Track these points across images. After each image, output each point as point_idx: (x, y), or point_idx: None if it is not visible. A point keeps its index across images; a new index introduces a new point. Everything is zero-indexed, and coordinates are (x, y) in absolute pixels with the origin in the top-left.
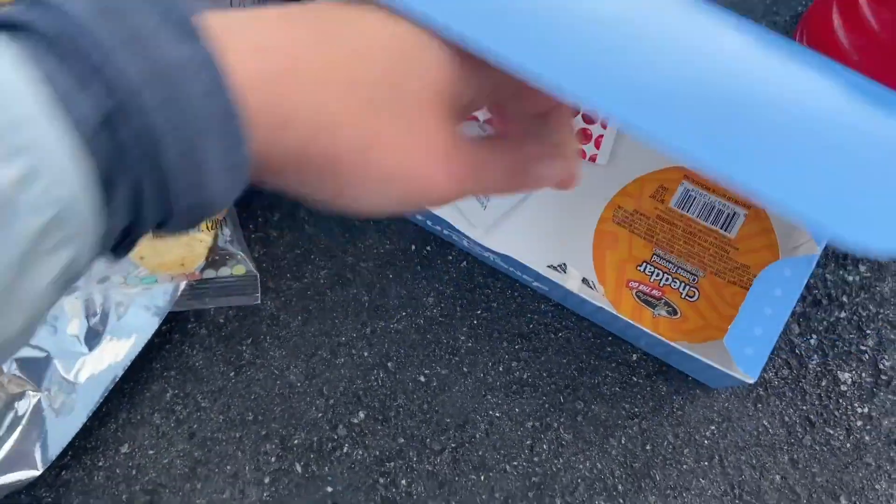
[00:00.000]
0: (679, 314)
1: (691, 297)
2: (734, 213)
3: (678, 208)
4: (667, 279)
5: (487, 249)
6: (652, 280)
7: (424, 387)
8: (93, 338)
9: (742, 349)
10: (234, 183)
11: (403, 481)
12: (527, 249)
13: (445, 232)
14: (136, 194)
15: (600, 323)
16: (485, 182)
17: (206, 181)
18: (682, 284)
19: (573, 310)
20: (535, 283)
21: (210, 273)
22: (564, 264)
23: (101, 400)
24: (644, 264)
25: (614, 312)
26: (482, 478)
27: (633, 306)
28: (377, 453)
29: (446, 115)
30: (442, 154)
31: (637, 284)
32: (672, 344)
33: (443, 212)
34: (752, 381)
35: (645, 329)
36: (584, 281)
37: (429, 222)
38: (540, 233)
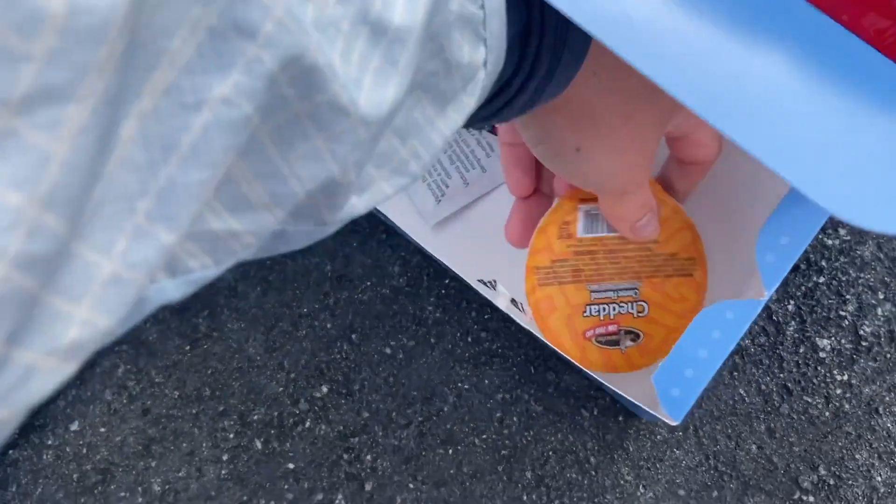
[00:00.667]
0: (642, 336)
1: (641, 313)
2: None
3: (587, 234)
4: (613, 309)
5: (424, 250)
6: (602, 318)
7: (390, 359)
8: None
9: (669, 389)
10: (557, 88)
11: (368, 457)
12: (463, 258)
13: (390, 223)
14: (536, 54)
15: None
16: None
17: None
18: (629, 305)
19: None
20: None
21: None
22: (495, 281)
23: None
24: (587, 308)
25: (536, 334)
26: (450, 452)
27: (601, 355)
28: (341, 428)
29: (660, 136)
30: (650, 163)
31: (592, 331)
32: (595, 376)
33: (392, 204)
34: (674, 424)
35: (569, 358)
36: (513, 302)
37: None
38: (481, 244)
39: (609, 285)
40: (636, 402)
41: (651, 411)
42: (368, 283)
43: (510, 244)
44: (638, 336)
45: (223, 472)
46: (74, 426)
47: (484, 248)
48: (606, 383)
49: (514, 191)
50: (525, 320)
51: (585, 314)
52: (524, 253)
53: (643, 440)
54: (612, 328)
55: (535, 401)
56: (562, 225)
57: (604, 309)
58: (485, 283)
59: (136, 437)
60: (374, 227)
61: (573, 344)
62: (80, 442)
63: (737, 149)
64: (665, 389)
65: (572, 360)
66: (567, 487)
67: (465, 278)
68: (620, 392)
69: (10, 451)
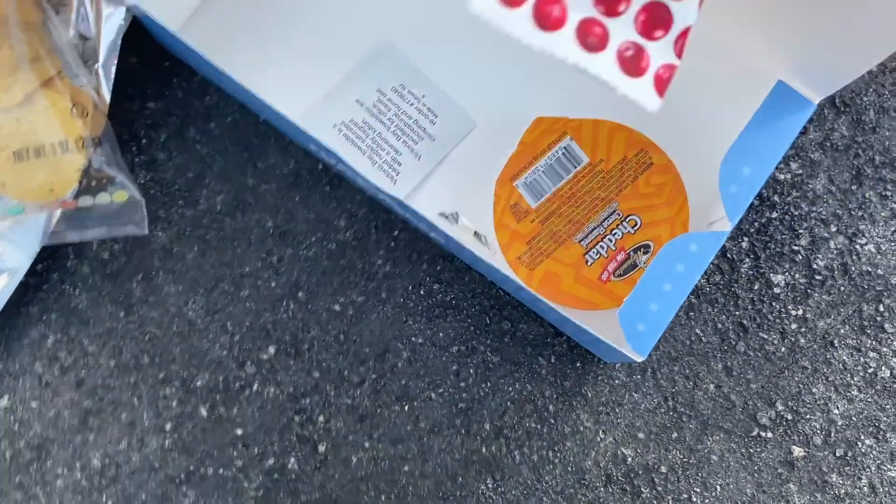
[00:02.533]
0: (651, 243)
1: (636, 226)
2: (568, 149)
3: (540, 200)
4: (609, 241)
5: (380, 191)
6: (607, 255)
7: (340, 316)
8: None
9: (634, 325)
10: None
11: (321, 417)
12: (422, 192)
13: (340, 167)
14: None
15: (499, 284)
16: None
17: None
18: (620, 227)
19: (475, 269)
20: (433, 234)
21: (87, 201)
22: (457, 213)
23: None
24: (586, 257)
25: (505, 272)
26: (406, 408)
27: (630, 283)
28: (291, 390)
29: None
30: None
31: (606, 272)
32: (560, 310)
33: (339, 145)
34: (640, 360)
35: (531, 290)
36: (476, 235)
37: (323, 155)
38: (439, 177)
39: (590, 225)
40: (604, 340)
41: (618, 348)
42: (313, 238)
43: None
44: (648, 246)
45: (167, 441)
46: (4, 402)
47: (443, 182)
48: (577, 321)
49: None
50: (488, 254)
51: (589, 263)
52: (487, 182)
53: (601, 385)
54: (620, 256)
55: (491, 351)
56: (512, 209)
57: (602, 247)
58: (446, 217)
59: (72, 410)
60: (316, 179)
61: (601, 296)
62: (11, 418)
63: (700, 80)
64: (631, 325)
65: (501, 258)
66: (527, 437)
67: (424, 213)
68: (590, 330)
69: None
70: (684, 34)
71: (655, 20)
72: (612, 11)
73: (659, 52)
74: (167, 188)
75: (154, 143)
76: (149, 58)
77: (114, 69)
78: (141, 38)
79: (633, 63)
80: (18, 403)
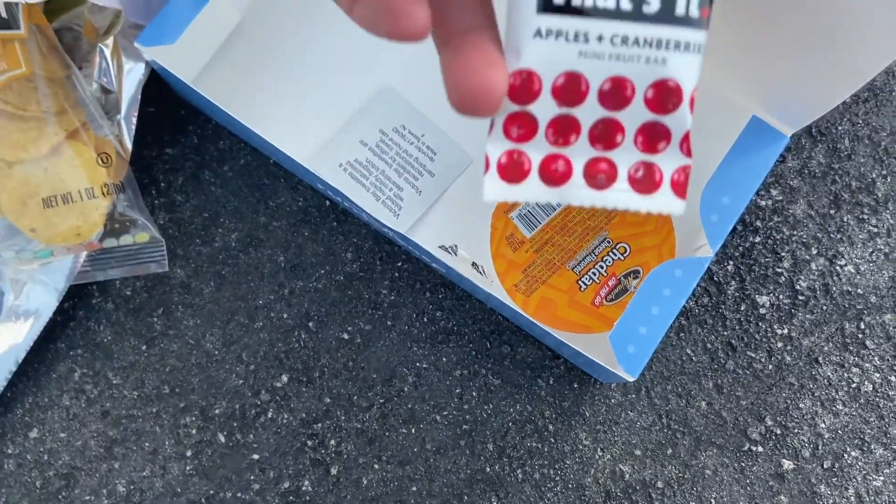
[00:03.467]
0: (641, 269)
1: (625, 253)
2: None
3: (534, 231)
4: (600, 267)
5: (384, 225)
6: (598, 281)
7: (348, 344)
8: None
9: (625, 347)
10: None
11: (332, 441)
12: (423, 226)
13: (346, 204)
14: None
15: (498, 311)
16: None
17: None
18: (610, 254)
19: (475, 296)
20: (434, 265)
21: (111, 242)
22: (456, 246)
23: (5, 385)
24: (579, 283)
25: (503, 299)
26: (413, 430)
27: (621, 307)
28: (303, 415)
29: None
30: None
31: (599, 297)
32: (555, 334)
33: (345, 183)
34: (631, 380)
35: (527, 316)
36: (474, 265)
37: (329, 193)
38: (440, 211)
39: (582, 253)
40: (597, 361)
41: (610, 369)
42: (322, 271)
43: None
44: (638, 271)
45: (188, 467)
46: (34, 433)
47: (442, 215)
48: (571, 344)
49: (408, 31)
50: (486, 283)
51: (582, 289)
52: (484, 215)
53: (598, 405)
54: (612, 282)
55: (492, 374)
56: (508, 239)
57: (594, 273)
58: (446, 249)
59: (98, 439)
60: (324, 215)
61: (594, 320)
62: (41, 449)
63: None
64: (621, 347)
65: (498, 286)
66: (528, 456)
67: (426, 246)
68: (584, 353)
69: None
70: (686, 136)
71: (655, 136)
72: (611, 145)
73: (668, 160)
74: (185, 228)
75: (172, 187)
76: (166, 107)
77: (135, 119)
78: (158, 89)
79: (646, 181)
80: (47, 434)
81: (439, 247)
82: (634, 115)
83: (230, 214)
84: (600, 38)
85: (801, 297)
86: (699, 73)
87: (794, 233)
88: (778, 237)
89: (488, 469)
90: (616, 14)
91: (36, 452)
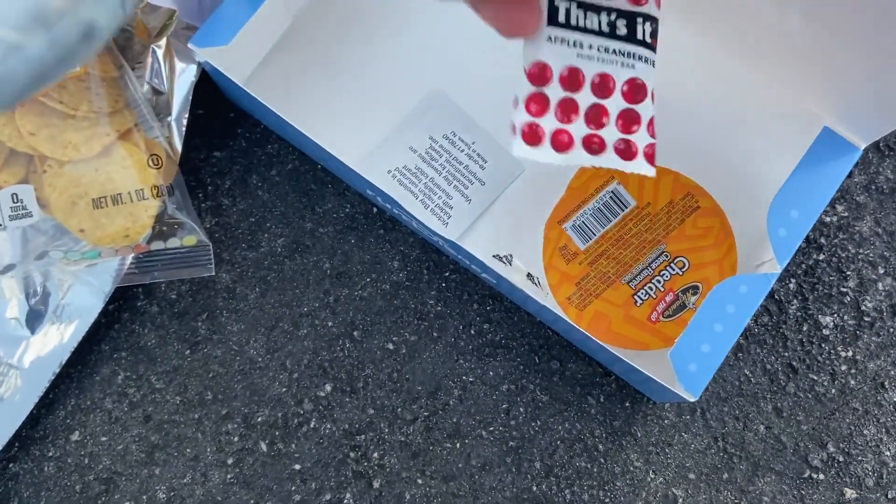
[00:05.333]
0: (700, 284)
1: (683, 267)
2: (616, 193)
3: (588, 242)
4: (657, 282)
5: (434, 233)
6: (655, 296)
7: (393, 355)
8: (35, 319)
9: (686, 365)
10: None
11: (375, 454)
12: (476, 235)
13: (395, 211)
14: None
15: (549, 324)
16: None
17: None
18: (668, 269)
19: (524, 309)
20: (484, 275)
21: (158, 244)
22: (511, 255)
23: (48, 386)
24: (635, 298)
25: (557, 312)
26: (457, 445)
27: (679, 325)
28: (346, 426)
29: None
30: None
31: (656, 313)
32: (611, 350)
33: (394, 189)
34: (692, 400)
35: (582, 330)
36: (529, 276)
37: (379, 199)
38: (494, 220)
39: (638, 266)
40: (655, 379)
41: (670, 388)
42: (368, 280)
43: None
44: (696, 287)
45: (229, 476)
46: (75, 436)
47: (493, 225)
48: (629, 361)
49: (518, 29)
50: (541, 295)
51: (637, 304)
52: (536, 225)
53: (651, 425)
54: (669, 297)
55: (540, 390)
56: (561, 251)
57: (650, 288)
58: (500, 259)
59: (139, 444)
60: (371, 222)
61: (651, 336)
62: (82, 452)
63: (747, 126)
64: (682, 365)
65: (551, 299)
66: (577, 476)
67: (479, 256)
68: (642, 370)
69: (10, 465)
70: (651, 122)
71: (630, 121)
72: (600, 125)
73: (640, 139)
74: (231, 232)
75: (219, 190)
76: (215, 110)
77: (185, 122)
78: (207, 91)
79: (626, 152)
80: (89, 437)
81: (493, 256)
82: (616, 104)
83: (277, 219)
84: (591, 46)
85: (866, 319)
86: (655, 78)
87: (860, 251)
88: (843, 255)
89: (535, 488)
90: (599, 33)
91: (77, 456)
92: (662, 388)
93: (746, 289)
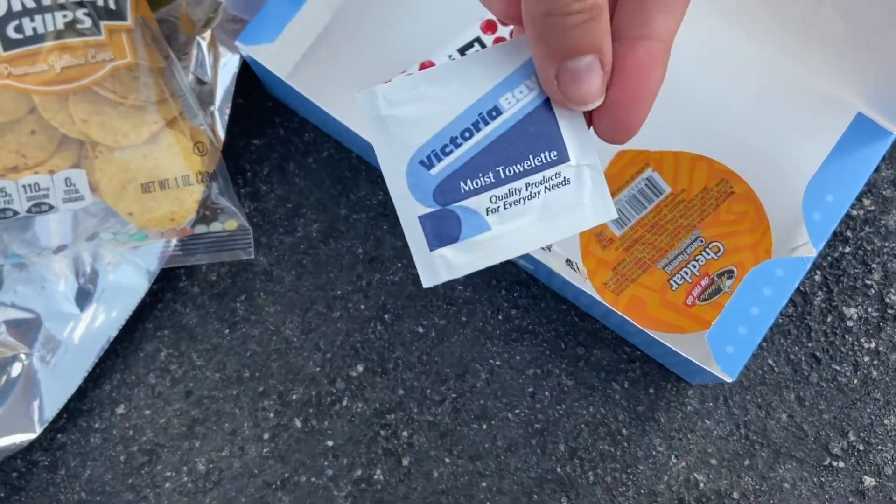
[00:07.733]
0: (735, 268)
1: (718, 252)
2: (651, 179)
3: (624, 228)
4: (693, 266)
5: None
6: (691, 280)
7: (423, 338)
8: (84, 297)
9: (723, 347)
10: None
11: (405, 433)
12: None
13: None
14: None
15: (585, 309)
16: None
17: None
18: (703, 253)
19: (560, 293)
20: (521, 261)
21: (202, 228)
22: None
23: (95, 361)
24: (671, 283)
25: (594, 296)
26: (484, 426)
27: (716, 307)
28: (377, 406)
29: None
30: None
31: (691, 297)
32: (649, 333)
33: None
34: (730, 380)
35: (619, 313)
36: (568, 262)
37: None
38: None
39: (674, 251)
40: (693, 361)
41: (708, 369)
42: (399, 265)
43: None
44: (732, 271)
45: (265, 450)
46: (120, 409)
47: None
48: (668, 344)
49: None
50: (580, 280)
51: (673, 288)
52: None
53: (674, 411)
54: (705, 282)
55: (566, 375)
56: (598, 237)
57: (686, 273)
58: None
59: (180, 418)
60: None
61: (687, 320)
62: (126, 424)
63: (781, 113)
64: (720, 347)
65: (588, 284)
66: (600, 459)
67: None
68: (681, 352)
69: (59, 436)
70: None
71: None
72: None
73: None
74: (269, 217)
75: (258, 177)
76: (254, 100)
77: (228, 111)
78: (247, 81)
79: None
80: (133, 411)
81: None
82: None
83: (312, 206)
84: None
85: (890, 311)
86: None
87: (886, 244)
88: (869, 248)
89: (559, 469)
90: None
91: (122, 428)
92: (700, 369)
93: (783, 272)
